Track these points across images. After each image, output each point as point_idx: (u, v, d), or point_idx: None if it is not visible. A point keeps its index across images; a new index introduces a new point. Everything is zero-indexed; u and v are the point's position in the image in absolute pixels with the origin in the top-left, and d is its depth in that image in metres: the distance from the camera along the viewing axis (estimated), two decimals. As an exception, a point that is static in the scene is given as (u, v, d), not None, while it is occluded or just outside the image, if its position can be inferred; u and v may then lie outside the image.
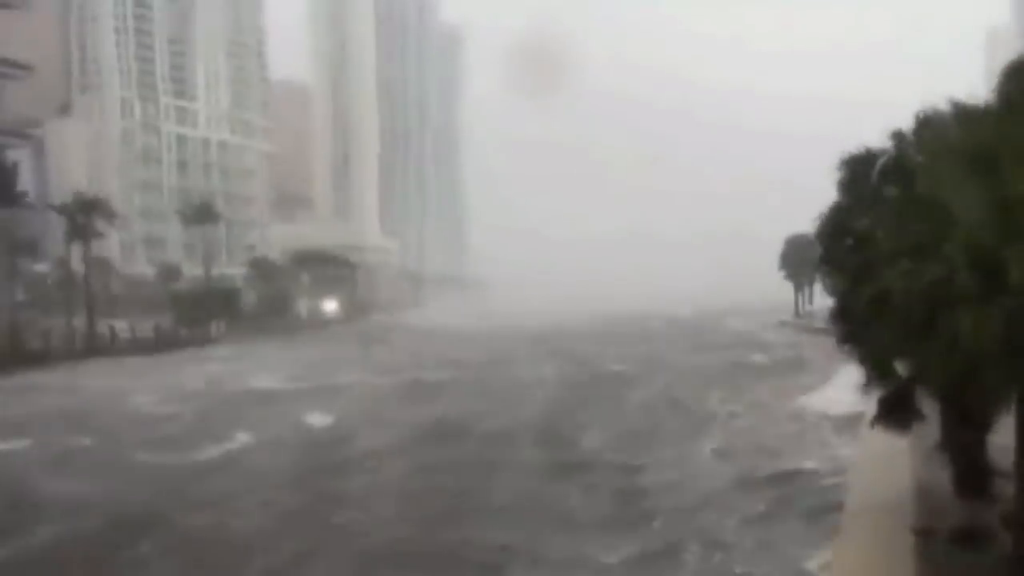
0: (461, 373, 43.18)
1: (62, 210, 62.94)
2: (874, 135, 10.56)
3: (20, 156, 68.87)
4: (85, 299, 60.24)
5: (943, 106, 9.38)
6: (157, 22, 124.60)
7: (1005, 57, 9.45)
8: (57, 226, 67.28)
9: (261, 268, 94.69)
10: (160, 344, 59.13)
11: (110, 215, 63.97)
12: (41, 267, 79.19)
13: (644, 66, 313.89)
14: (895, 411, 10.54)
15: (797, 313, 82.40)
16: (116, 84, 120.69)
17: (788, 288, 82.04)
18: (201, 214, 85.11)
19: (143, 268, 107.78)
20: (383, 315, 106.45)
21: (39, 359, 49.02)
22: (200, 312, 68.53)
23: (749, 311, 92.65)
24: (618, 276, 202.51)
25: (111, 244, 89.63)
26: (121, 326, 59.50)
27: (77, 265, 63.54)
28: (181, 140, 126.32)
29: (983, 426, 11.75)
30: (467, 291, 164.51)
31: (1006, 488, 10.82)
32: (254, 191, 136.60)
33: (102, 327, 59.03)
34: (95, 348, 55.35)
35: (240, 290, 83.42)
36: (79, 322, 59.07)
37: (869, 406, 11.70)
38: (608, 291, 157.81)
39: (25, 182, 66.29)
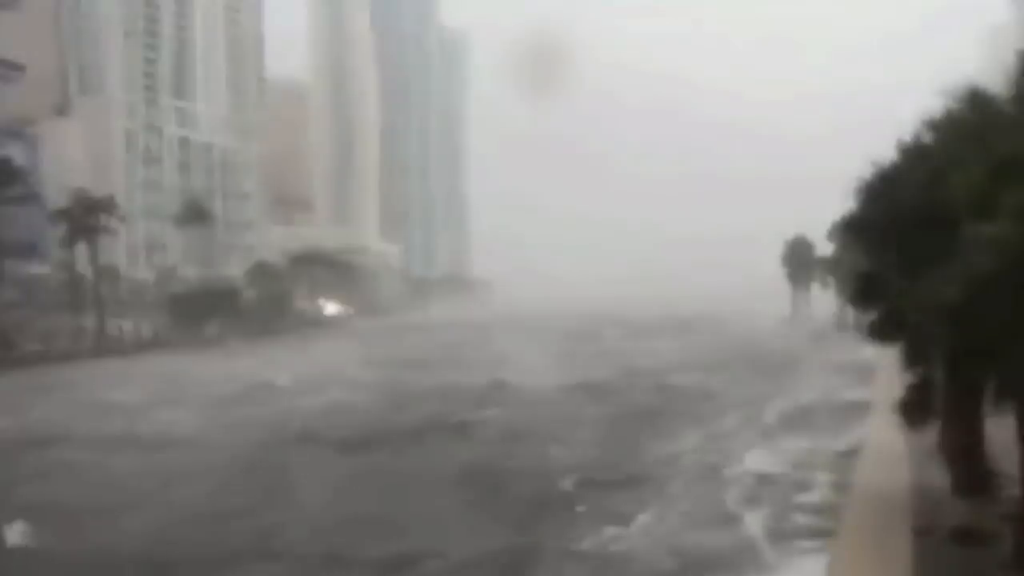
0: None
1: (64, 212, 62.61)
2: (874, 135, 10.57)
3: (11, 156, 68.14)
4: (95, 300, 59.92)
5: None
6: (161, 22, 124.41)
7: (1007, 55, 9.37)
8: (46, 225, 66.26)
9: (261, 270, 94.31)
10: (158, 343, 59.18)
11: (115, 213, 63.57)
12: (34, 268, 78.52)
13: (646, 66, 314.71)
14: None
15: (795, 312, 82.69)
16: (119, 85, 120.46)
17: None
18: (196, 214, 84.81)
19: (145, 271, 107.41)
20: (383, 318, 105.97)
21: (37, 360, 48.62)
22: (197, 312, 68.20)
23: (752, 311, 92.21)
24: (620, 276, 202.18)
25: (115, 245, 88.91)
26: (127, 327, 59.66)
27: (82, 267, 63.23)
28: (183, 142, 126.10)
29: (979, 426, 11.76)
30: (470, 293, 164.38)
31: (1006, 487, 10.82)
32: (252, 192, 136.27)
33: (110, 328, 58.95)
34: (104, 348, 55.18)
35: (239, 290, 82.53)
36: (82, 324, 58.65)
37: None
38: (608, 291, 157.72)
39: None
